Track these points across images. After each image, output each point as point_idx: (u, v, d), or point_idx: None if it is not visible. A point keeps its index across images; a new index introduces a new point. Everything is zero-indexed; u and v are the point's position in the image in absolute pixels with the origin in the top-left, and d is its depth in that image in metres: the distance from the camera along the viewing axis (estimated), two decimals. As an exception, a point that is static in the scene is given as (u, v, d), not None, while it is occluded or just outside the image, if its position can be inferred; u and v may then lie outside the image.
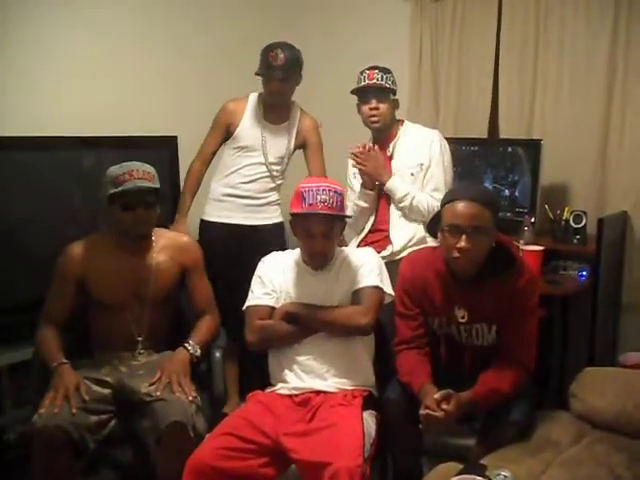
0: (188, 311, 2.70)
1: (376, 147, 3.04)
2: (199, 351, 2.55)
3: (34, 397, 2.40)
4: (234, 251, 3.15)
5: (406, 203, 2.98)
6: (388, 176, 3.01)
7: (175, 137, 3.42)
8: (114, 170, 2.46)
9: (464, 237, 2.24)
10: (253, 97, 3.30)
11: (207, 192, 3.34)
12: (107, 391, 2.42)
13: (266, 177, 3.28)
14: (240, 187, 3.25)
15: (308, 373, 2.47)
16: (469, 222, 2.23)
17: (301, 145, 3.36)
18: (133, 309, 2.58)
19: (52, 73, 3.22)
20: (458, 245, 2.24)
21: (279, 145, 3.28)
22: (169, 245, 2.64)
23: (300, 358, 2.48)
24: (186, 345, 2.53)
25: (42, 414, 2.23)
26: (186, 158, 3.44)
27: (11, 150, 2.90)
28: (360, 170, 3.04)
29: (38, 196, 2.94)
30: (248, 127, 3.25)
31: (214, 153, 3.34)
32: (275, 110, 3.26)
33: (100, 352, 2.59)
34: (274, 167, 3.29)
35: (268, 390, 2.52)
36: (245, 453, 2.20)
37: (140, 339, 2.59)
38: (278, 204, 3.34)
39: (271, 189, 3.31)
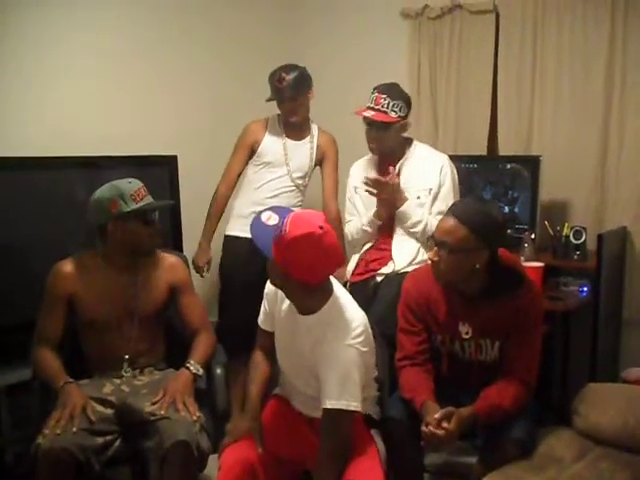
0: (179, 328, 2.70)
1: (395, 177, 2.99)
2: (201, 370, 2.54)
3: (37, 419, 2.39)
4: (258, 267, 3.09)
5: (418, 229, 2.99)
6: (402, 201, 3.00)
7: (175, 156, 3.43)
8: (125, 188, 2.50)
9: (435, 249, 2.30)
10: (273, 117, 3.44)
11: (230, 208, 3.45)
12: (110, 411, 2.41)
13: (290, 191, 3.40)
14: (265, 202, 3.29)
15: (304, 403, 2.40)
16: (440, 236, 2.29)
17: (321, 159, 3.47)
18: (124, 327, 2.57)
19: (50, 93, 3.22)
20: (429, 255, 2.34)
21: (302, 159, 3.42)
22: (156, 264, 2.66)
23: (295, 391, 2.42)
24: (188, 365, 2.53)
25: (47, 435, 2.22)
26: (186, 177, 3.46)
27: (10, 171, 2.90)
28: (378, 199, 3.00)
29: (35, 216, 2.94)
30: (270, 143, 3.39)
31: (239, 175, 3.47)
32: (295, 127, 3.39)
33: (98, 371, 2.58)
34: (299, 181, 3.41)
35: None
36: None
37: (127, 357, 2.58)
38: None
39: (294, 205, 3.38)
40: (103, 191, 2.51)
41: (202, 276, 3.45)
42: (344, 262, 2.21)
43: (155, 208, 2.60)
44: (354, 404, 2.13)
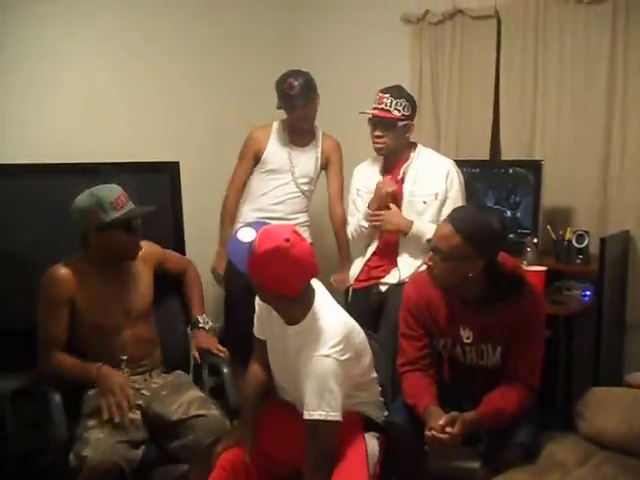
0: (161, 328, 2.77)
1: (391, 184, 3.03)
2: (210, 323, 2.79)
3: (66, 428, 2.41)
4: None
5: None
6: (408, 224, 3.00)
7: (177, 163, 3.42)
8: (104, 196, 2.47)
9: (430, 254, 2.31)
10: (277, 123, 3.43)
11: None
12: (139, 416, 2.45)
13: (295, 198, 3.40)
14: (270, 209, 3.34)
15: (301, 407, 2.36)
16: (435, 242, 2.30)
17: (326, 163, 3.47)
18: (121, 328, 2.58)
19: (52, 99, 3.22)
20: (425, 259, 2.37)
21: (307, 165, 3.41)
22: (135, 261, 2.67)
23: (289, 396, 2.42)
24: (199, 324, 2.76)
25: (95, 447, 2.24)
26: (188, 183, 3.46)
27: (12, 177, 2.90)
28: (383, 230, 3.05)
29: (37, 223, 2.93)
30: (275, 151, 3.38)
31: (245, 182, 3.46)
32: (300, 133, 3.40)
33: None
34: (304, 187, 3.40)
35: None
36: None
37: (125, 358, 2.57)
38: (307, 225, 3.44)
39: (300, 211, 3.41)
40: (83, 199, 2.48)
41: (221, 285, 3.48)
42: (317, 273, 2.20)
43: (136, 216, 2.56)
44: (332, 414, 2.13)
